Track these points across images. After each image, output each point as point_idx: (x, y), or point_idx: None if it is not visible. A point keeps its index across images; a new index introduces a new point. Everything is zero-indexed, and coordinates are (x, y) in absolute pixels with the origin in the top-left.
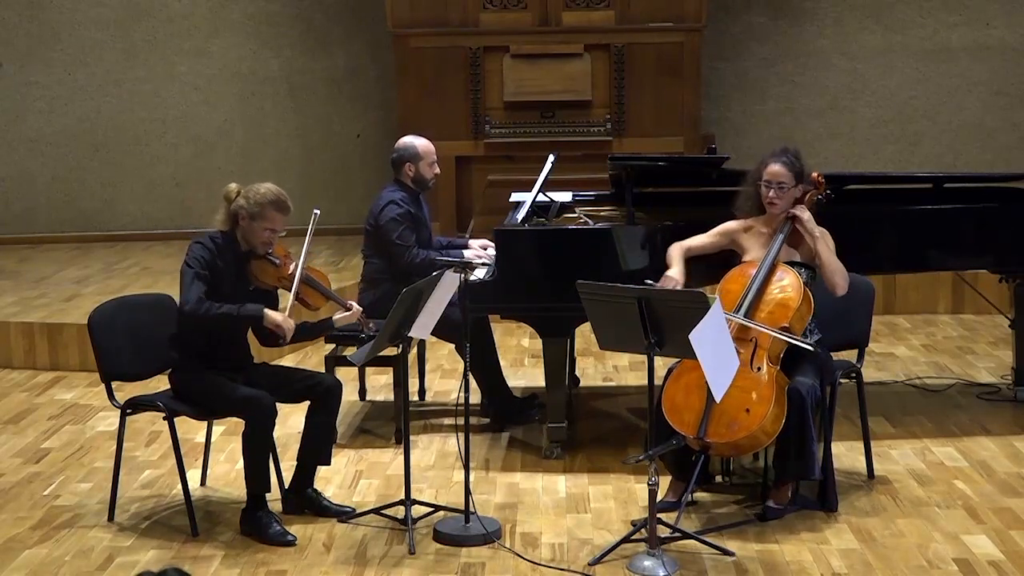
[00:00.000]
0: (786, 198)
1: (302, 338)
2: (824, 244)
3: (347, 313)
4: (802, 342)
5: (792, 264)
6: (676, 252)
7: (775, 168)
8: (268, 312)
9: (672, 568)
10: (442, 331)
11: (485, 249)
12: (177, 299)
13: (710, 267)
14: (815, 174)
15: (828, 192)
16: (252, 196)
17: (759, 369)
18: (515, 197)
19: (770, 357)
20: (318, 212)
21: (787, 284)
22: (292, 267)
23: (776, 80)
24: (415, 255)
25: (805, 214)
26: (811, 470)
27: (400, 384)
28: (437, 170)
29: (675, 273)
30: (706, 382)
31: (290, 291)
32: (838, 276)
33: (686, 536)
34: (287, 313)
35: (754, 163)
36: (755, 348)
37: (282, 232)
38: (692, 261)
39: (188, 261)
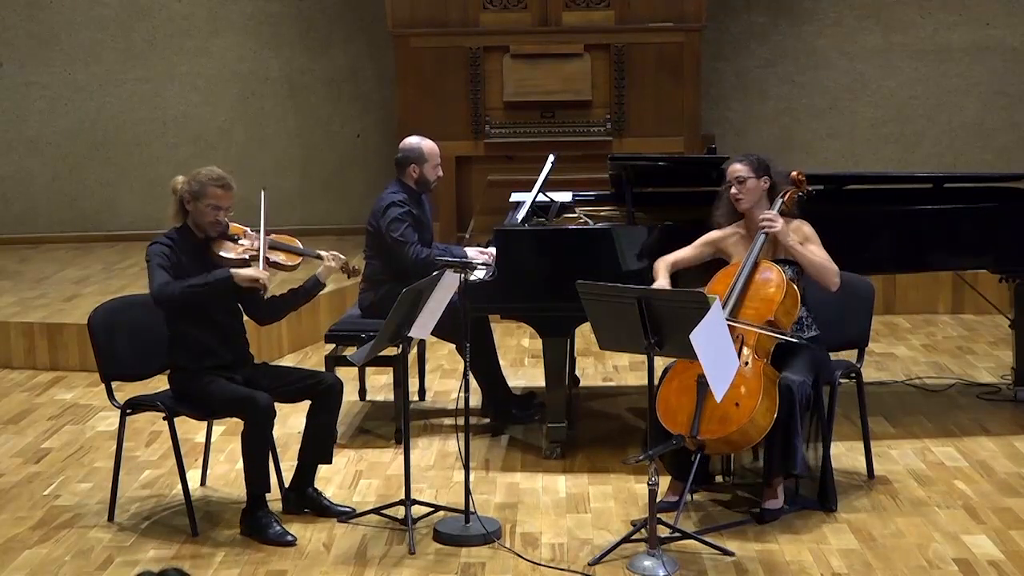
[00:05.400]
0: (749, 192)
1: (299, 303)
2: (803, 249)
3: (329, 264)
4: (785, 335)
5: (777, 261)
6: (661, 266)
7: (732, 166)
8: (236, 271)
9: (672, 568)
10: (442, 331)
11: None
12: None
13: (699, 274)
14: (795, 172)
15: (809, 190)
16: (193, 177)
17: (746, 364)
18: (515, 197)
19: (756, 352)
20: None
21: (770, 279)
22: (254, 239)
23: (776, 80)
24: (418, 251)
25: (776, 225)
26: (794, 465)
27: (400, 384)
28: (440, 172)
29: (661, 286)
30: (696, 382)
31: (259, 263)
32: (827, 275)
33: (686, 536)
34: (260, 267)
35: None
36: (741, 344)
37: (229, 210)
38: (679, 272)
39: (147, 257)
